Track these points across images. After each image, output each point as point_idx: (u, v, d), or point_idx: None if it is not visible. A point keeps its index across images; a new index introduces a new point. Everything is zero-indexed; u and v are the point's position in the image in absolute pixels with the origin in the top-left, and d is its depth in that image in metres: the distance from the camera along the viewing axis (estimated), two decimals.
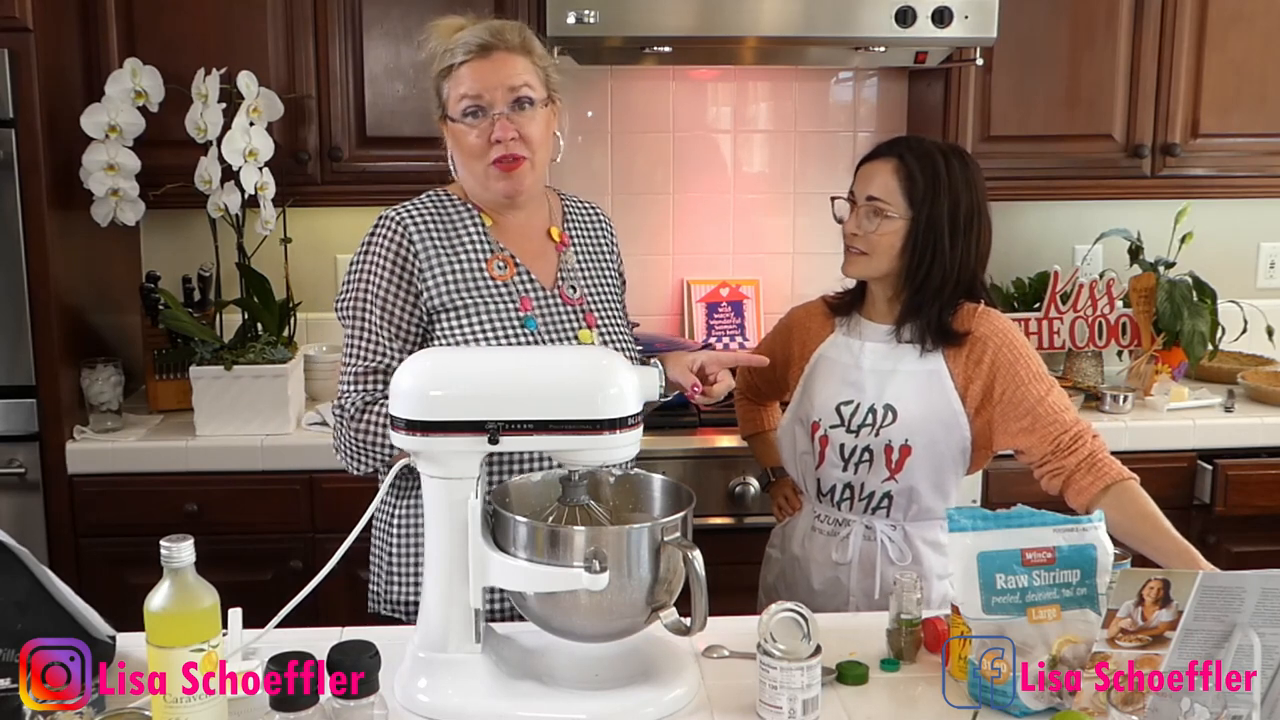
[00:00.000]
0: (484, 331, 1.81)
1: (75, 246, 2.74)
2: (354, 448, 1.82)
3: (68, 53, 2.74)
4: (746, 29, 2.68)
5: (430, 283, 1.82)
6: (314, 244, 3.21)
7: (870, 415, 1.98)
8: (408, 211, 1.85)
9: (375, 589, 1.97)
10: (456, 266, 1.83)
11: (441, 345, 1.80)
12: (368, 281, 1.81)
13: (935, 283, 1.94)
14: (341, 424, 1.82)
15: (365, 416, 1.79)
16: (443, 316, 1.81)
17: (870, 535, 2.01)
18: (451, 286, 1.82)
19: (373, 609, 1.96)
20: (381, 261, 1.81)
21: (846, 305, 2.07)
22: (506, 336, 1.82)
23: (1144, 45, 2.97)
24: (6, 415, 2.65)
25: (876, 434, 1.96)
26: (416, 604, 1.82)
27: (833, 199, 2.03)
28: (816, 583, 2.05)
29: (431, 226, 1.84)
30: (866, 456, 1.98)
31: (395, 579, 1.90)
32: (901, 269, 1.96)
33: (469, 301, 1.82)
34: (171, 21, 2.80)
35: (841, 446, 1.99)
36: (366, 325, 1.81)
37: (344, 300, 1.84)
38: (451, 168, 1.90)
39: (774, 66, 3.26)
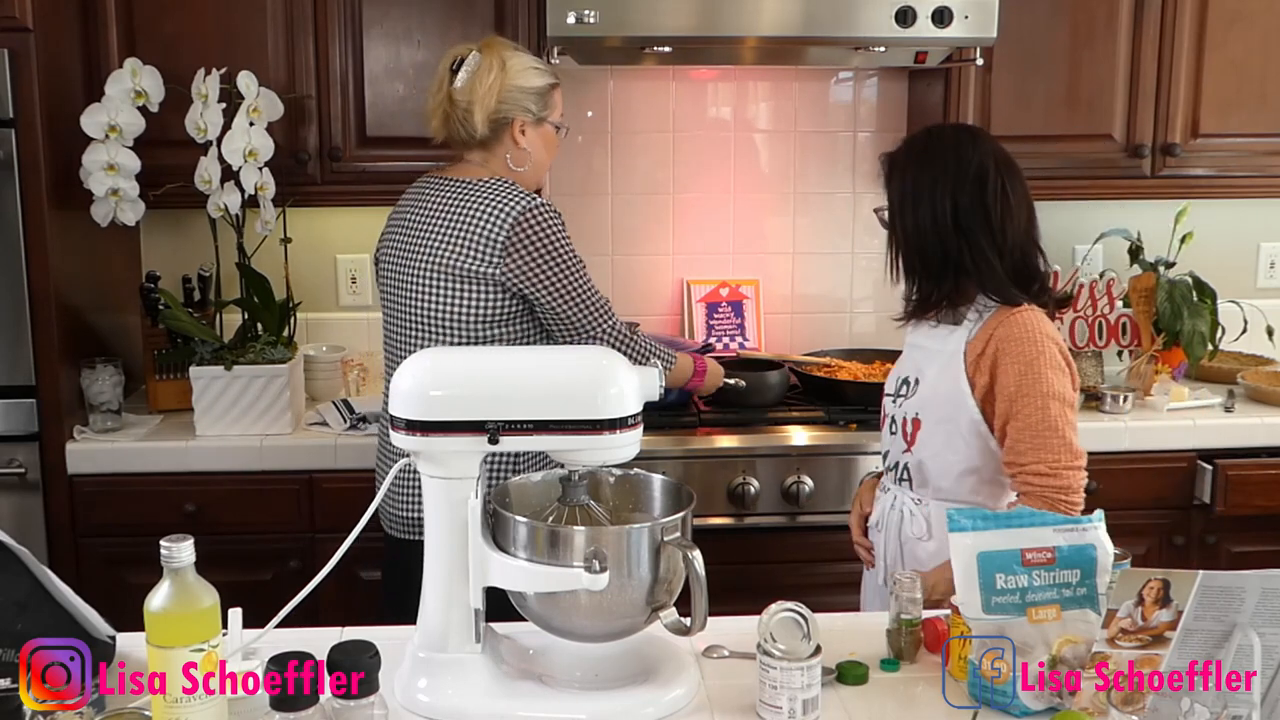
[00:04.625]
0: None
1: (75, 246, 2.74)
2: (648, 354, 2.34)
3: (68, 53, 2.74)
4: (746, 29, 2.68)
5: None
6: (314, 244, 3.21)
7: (905, 386, 2.11)
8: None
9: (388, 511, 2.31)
10: None
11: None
12: (573, 249, 2.24)
13: (906, 256, 2.05)
14: (632, 340, 2.30)
15: (637, 335, 2.34)
16: None
17: (895, 504, 2.10)
18: None
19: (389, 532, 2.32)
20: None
21: None
22: None
23: (1144, 45, 2.97)
24: (6, 415, 2.65)
25: (900, 405, 2.10)
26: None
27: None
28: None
29: None
30: (895, 428, 2.11)
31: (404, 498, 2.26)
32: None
33: None
34: (171, 21, 2.80)
35: (890, 417, 2.14)
36: (591, 281, 2.26)
37: (568, 259, 2.21)
38: (510, 163, 2.31)
39: (774, 66, 3.26)
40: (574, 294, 2.22)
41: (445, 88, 2.29)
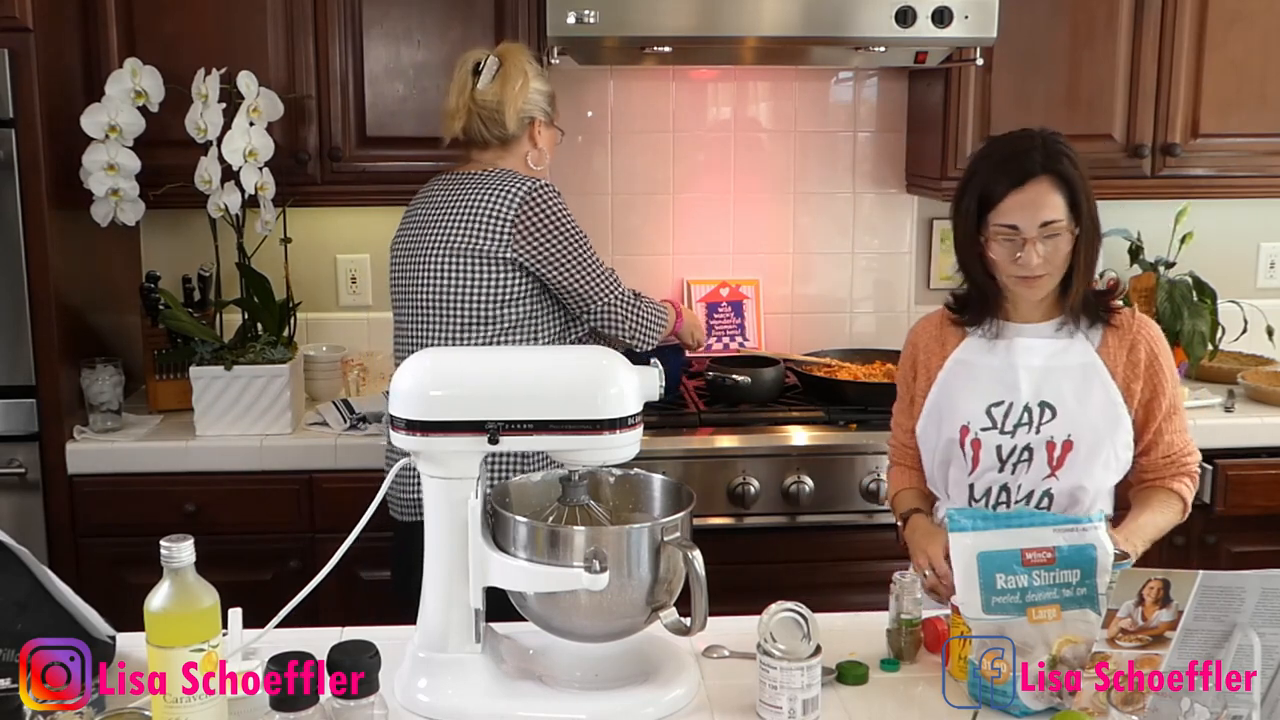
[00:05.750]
0: None
1: (75, 246, 2.74)
2: (646, 322, 2.45)
3: (68, 53, 2.74)
4: (746, 29, 2.68)
5: None
6: (314, 244, 3.21)
7: (1026, 414, 1.96)
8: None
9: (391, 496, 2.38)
10: None
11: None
12: (577, 226, 2.35)
13: (1093, 266, 1.96)
14: (638, 303, 2.45)
15: (641, 298, 2.47)
16: None
17: None
18: None
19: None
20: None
21: (978, 310, 2.02)
22: None
23: (1144, 45, 2.97)
24: (6, 415, 2.65)
25: (1036, 431, 1.95)
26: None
27: (985, 244, 1.94)
28: None
29: None
30: (1026, 456, 1.96)
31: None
32: (1067, 269, 1.95)
33: None
34: (171, 21, 2.80)
35: (998, 449, 1.96)
36: (595, 252, 2.37)
37: (576, 235, 2.33)
38: (530, 162, 2.43)
39: (774, 66, 3.26)
40: (582, 267, 2.33)
41: (469, 89, 2.39)
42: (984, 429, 1.98)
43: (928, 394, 2.06)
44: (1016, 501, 1.97)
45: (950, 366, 2.04)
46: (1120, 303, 2.02)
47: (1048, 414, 1.95)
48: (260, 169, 2.72)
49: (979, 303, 2.02)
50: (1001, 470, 1.97)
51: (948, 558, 1.91)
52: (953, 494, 2.05)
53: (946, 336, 2.07)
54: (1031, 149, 1.91)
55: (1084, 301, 1.97)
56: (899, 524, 2.11)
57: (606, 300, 2.37)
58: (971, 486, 2.01)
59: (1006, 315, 2.02)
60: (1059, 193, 1.89)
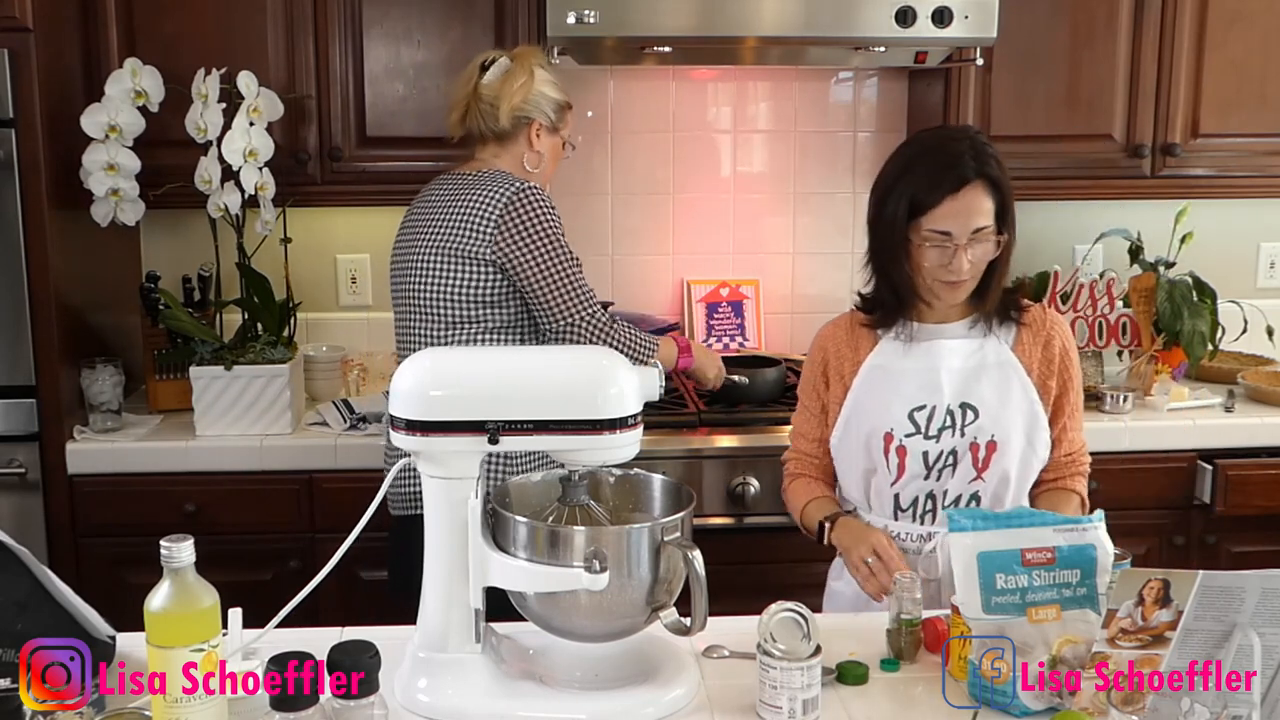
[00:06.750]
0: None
1: (75, 246, 2.74)
2: (629, 343, 2.34)
3: (68, 53, 2.74)
4: (747, 29, 2.68)
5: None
6: (314, 244, 3.21)
7: (949, 417, 1.94)
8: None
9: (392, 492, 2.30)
10: None
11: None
12: (560, 236, 2.29)
13: (1007, 267, 1.96)
14: (611, 328, 2.31)
15: (617, 324, 2.34)
16: None
17: None
18: None
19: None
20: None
21: (891, 312, 1.99)
22: None
23: (1144, 45, 2.97)
24: (6, 415, 2.65)
25: (961, 433, 1.93)
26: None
27: (913, 249, 1.92)
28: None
29: None
30: (951, 460, 1.94)
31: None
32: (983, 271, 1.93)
33: None
34: (171, 21, 2.80)
35: (925, 455, 1.94)
36: (579, 269, 2.30)
37: (554, 242, 2.27)
38: (525, 164, 2.39)
39: (774, 66, 3.26)
40: (553, 275, 2.26)
41: (474, 83, 2.39)
42: (908, 435, 1.95)
43: (843, 402, 2.02)
44: (945, 507, 1.96)
45: (866, 372, 2.00)
46: (1028, 300, 2.05)
47: (970, 415, 1.94)
48: (260, 169, 2.72)
49: (892, 304, 1.99)
50: (928, 478, 1.95)
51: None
52: (875, 505, 2.01)
53: (859, 341, 2.03)
54: (962, 152, 1.88)
55: (998, 302, 1.98)
56: (825, 525, 2.02)
57: (571, 317, 2.26)
58: (897, 496, 1.98)
59: (920, 316, 1.99)
60: (990, 198, 1.88)
